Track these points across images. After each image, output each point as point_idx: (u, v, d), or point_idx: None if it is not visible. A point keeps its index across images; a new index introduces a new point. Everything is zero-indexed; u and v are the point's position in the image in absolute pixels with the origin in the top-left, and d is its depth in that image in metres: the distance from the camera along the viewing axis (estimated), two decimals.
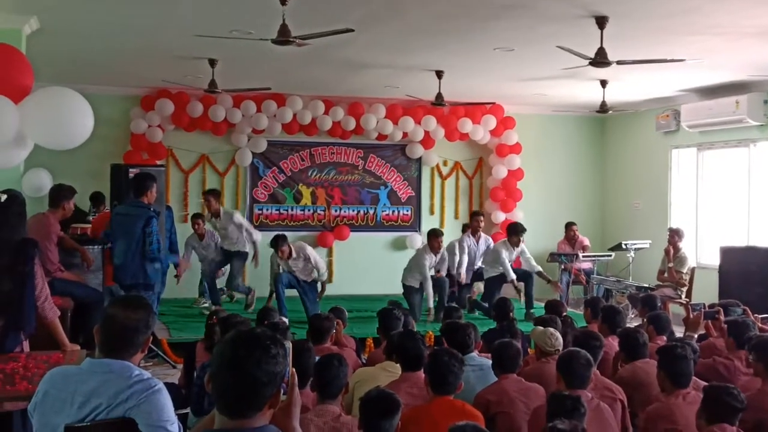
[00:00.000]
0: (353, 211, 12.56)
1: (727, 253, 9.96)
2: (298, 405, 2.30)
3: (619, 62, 7.21)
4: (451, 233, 11.46)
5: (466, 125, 12.17)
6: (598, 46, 7.02)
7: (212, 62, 8.96)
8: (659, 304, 7.35)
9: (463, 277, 10.44)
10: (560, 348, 5.11)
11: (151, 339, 3.15)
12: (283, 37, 6.40)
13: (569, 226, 11.82)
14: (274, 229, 11.12)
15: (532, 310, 9.79)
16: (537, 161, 12.83)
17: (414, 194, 12.78)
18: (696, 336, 6.01)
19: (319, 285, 9.83)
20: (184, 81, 10.04)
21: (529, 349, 6.27)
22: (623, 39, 7.30)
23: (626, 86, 10.35)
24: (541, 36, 7.45)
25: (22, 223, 4.80)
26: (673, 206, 11.86)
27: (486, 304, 9.91)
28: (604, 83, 10.02)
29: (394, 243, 12.68)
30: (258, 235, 10.28)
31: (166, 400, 2.94)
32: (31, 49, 7.23)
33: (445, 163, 12.87)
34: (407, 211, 12.77)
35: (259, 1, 6.30)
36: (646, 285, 10.27)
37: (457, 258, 10.39)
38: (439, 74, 9.62)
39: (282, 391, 2.18)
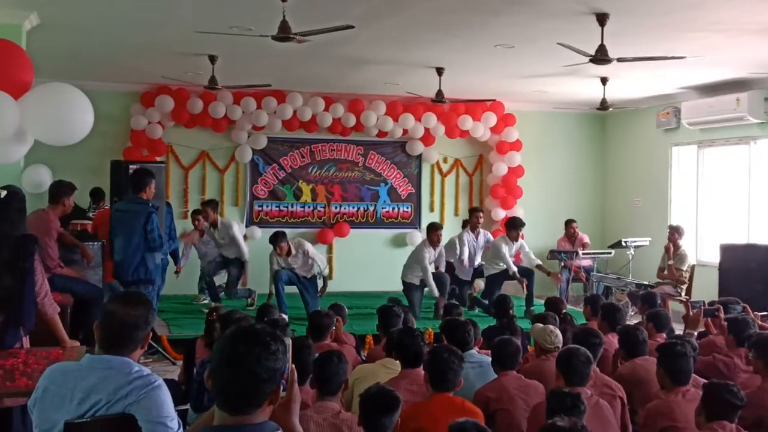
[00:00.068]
0: (353, 208, 12.56)
1: (727, 251, 9.95)
2: (298, 401, 2.31)
3: (619, 59, 7.20)
4: (451, 230, 11.47)
5: (467, 122, 12.17)
6: (599, 43, 7.02)
7: (212, 58, 8.95)
8: (659, 302, 7.35)
9: (466, 263, 10.42)
10: (560, 345, 5.11)
11: (150, 335, 3.15)
12: (284, 33, 6.40)
13: (569, 223, 11.83)
14: (274, 226, 11.13)
15: (532, 308, 9.80)
16: (537, 158, 12.83)
17: (414, 191, 12.77)
18: (696, 333, 6.01)
19: (320, 281, 9.82)
20: (184, 77, 10.05)
21: (528, 347, 6.27)
22: (624, 36, 7.29)
23: (627, 83, 10.35)
24: (542, 33, 7.44)
25: (21, 219, 4.80)
26: (674, 204, 11.85)
27: (486, 301, 9.91)
28: (604, 80, 10.01)
29: (394, 240, 12.68)
30: (247, 255, 10.24)
31: (166, 396, 2.94)
32: (31, 44, 7.22)
33: (445, 160, 12.86)
34: (407, 208, 12.77)
35: None
36: (646, 282, 10.27)
37: (458, 252, 10.40)
38: (439, 71, 9.61)
39: (282, 388, 2.18)
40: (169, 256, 8.78)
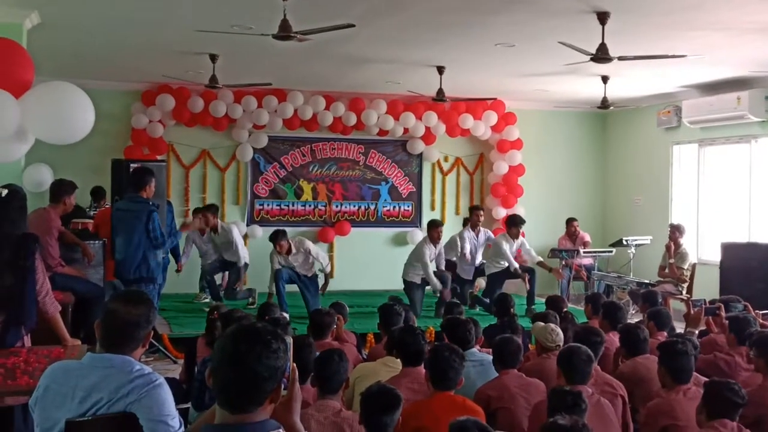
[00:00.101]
0: (354, 206, 12.55)
1: (728, 249, 9.95)
2: (299, 400, 2.31)
3: (620, 58, 7.20)
4: (452, 229, 11.47)
5: (467, 121, 12.16)
6: (600, 41, 7.01)
7: (213, 57, 8.95)
8: (660, 300, 7.35)
9: (468, 256, 10.41)
10: (561, 344, 5.11)
11: (151, 334, 3.15)
12: (284, 32, 6.40)
13: (570, 221, 11.83)
14: (275, 225, 11.13)
15: (533, 306, 9.80)
16: (538, 157, 12.82)
17: (415, 190, 12.77)
18: (697, 332, 6.01)
19: (321, 278, 9.81)
20: (185, 76, 10.05)
21: (529, 345, 6.27)
22: (625, 35, 7.29)
23: (627, 82, 10.34)
24: (543, 31, 7.44)
25: (23, 218, 4.80)
26: (674, 202, 11.85)
27: (487, 300, 9.92)
28: (605, 79, 10.00)
29: (394, 238, 12.68)
30: (245, 260, 10.24)
31: (167, 394, 2.94)
32: (32, 43, 7.22)
33: (446, 159, 12.85)
34: (408, 206, 12.77)
35: None
36: (647, 281, 10.27)
37: (459, 250, 10.41)
38: (440, 70, 9.61)
39: (283, 386, 2.18)
40: (170, 255, 8.79)
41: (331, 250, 12.23)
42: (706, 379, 4.15)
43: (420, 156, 12.67)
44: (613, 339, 5.60)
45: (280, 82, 10.79)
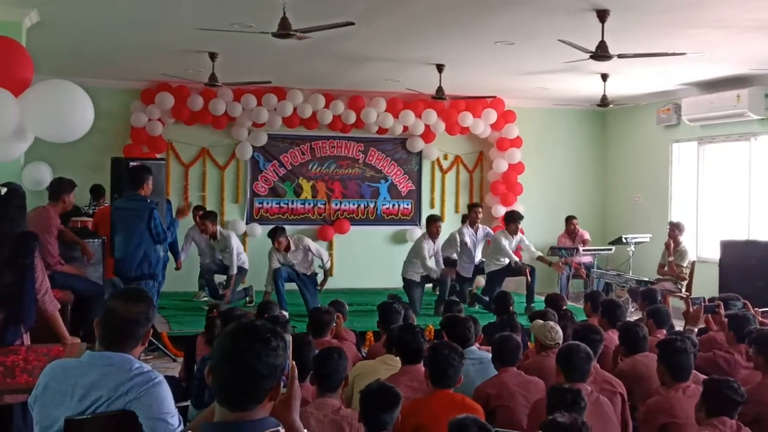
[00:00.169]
0: (353, 204, 12.55)
1: (727, 247, 9.96)
2: (298, 398, 2.31)
3: (620, 56, 7.19)
4: (451, 227, 11.46)
5: (467, 119, 12.16)
6: (599, 39, 7.01)
7: (212, 56, 8.94)
8: (659, 298, 7.35)
9: (470, 245, 10.39)
10: (560, 341, 5.12)
11: (151, 332, 3.15)
12: (284, 30, 6.40)
13: (569, 219, 11.83)
14: (275, 223, 11.10)
15: (532, 304, 9.80)
16: (537, 155, 12.82)
17: (414, 188, 12.77)
18: (696, 330, 6.01)
19: (320, 275, 9.81)
20: (184, 74, 10.04)
21: (529, 343, 6.27)
22: (624, 32, 7.29)
23: (627, 80, 10.34)
24: (542, 29, 7.44)
25: (22, 216, 4.80)
26: (674, 200, 11.85)
27: (486, 298, 9.92)
28: (605, 77, 10.00)
29: (394, 237, 12.68)
30: (236, 267, 10.14)
31: (167, 392, 2.94)
32: (31, 41, 7.22)
33: (445, 157, 12.86)
34: (407, 204, 12.77)
35: None
36: (647, 279, 10.27)
37: (458, 246, 10.41)
38: (439, 68, 9.60)
39: (282, 384, 2.18)
40: (168, 252, 8.79)
41: (330, 248, 12.23)
42: (706, 377, 4.16)
43: (419, 154, 12.67)
44: (613, 337, 5.60)
45: (280, 81, 10.79)
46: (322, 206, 12.42)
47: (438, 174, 12.86)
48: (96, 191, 10.02)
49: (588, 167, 13.39)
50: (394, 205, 12.71)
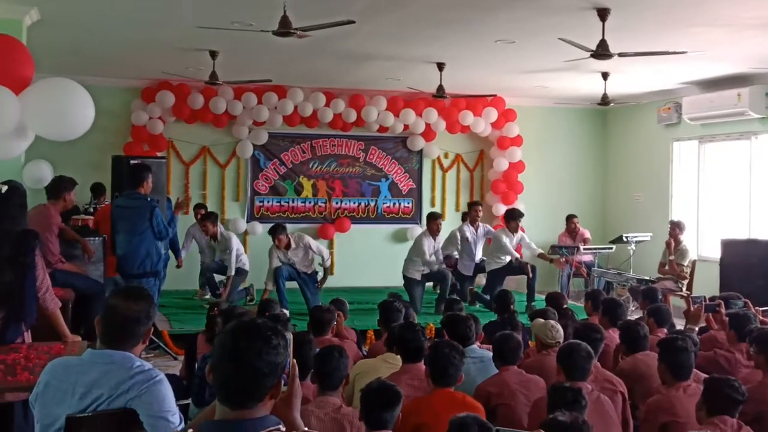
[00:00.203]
0: (354, 203, 12.55)
1: (728, 246, 9.95)
2: (299, 396, 2.31)
3: (620, 54, 7.19)
4: (452, 226, 11.45)
5: (468, 117, 12.16)
6: (600, 38, 7.00)
7: (213, 54, 8.94)
8: (660, 297, 7.35)
9: (471, 243, 10.41)
10: (561, 340, 5.12)
11: (152, 330, 3.15)
12: (284, 28, 6.40)
13: (570, 218, 11.83)
14: (275, 222, 11.09)
15: (533, 303, 9.80)
16: (538, 154, 12.82)
17: (415, 186, 12.77)
18: (697, 329, 6.01)
19: (320, 273, 9.81)
20: (185, 73, 10.03)
21: (529, 342, 6.27)
22: (625, 31, 7.28)
23: (628, 78, 10.33)
24: (543, 28, 7.43)
25: (22, 214, 4.80)
26: (674, 199, 11.85)
27: (487, 297, 9.92)
28: (605, 75, 9.99)
29: (395, 235, 12.68)
30: (233, 268, 10.09)
31: (168, 390, 2.94)
32: (31, 39, 7.22)
33: (446, 156, 12.85)
34: (408, 203, 12.77)
35: None
36: (647, 278, 10.27)
37: (459, 244, 10.41)
38: (440, 66, 9.60)
39: (283, 383, 2.18)
40: (169, 251, 8.79)
41: (331, 246, 12.22)
42: (706, 376, 4.16)
43: (420, 152, 12.67)
44: (613, 336, 5.60)
45: (280, 79, 10.78)
46: (323, 205, 12.42)
47: (438, 172, 12.86)
48: (96, 189, 10.02)
49: (589, 166, 13.38)
50: (394, 203, 12.71)
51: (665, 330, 5.85)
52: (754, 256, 9.47)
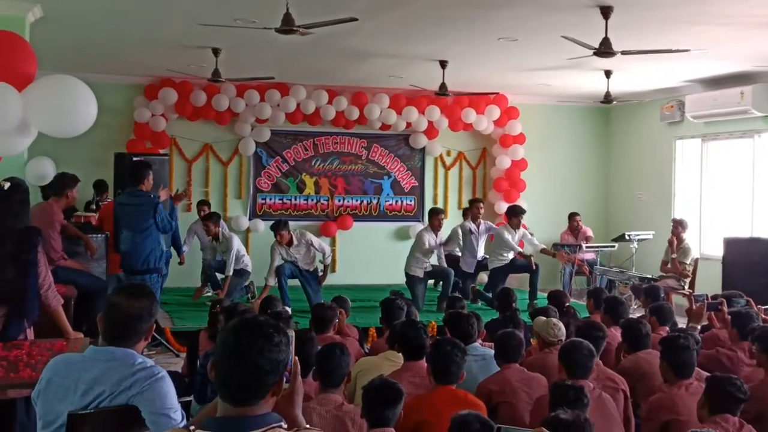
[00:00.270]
0: (356, 200, 12.55)
1: (730, 244, 9.94)
2: (301, 393, 2.31)
3: (623, 52, 7.18)
4: (454, 224, 11.44)
5: (470, 115, 12.15)
6: (603, 36, 6.99)
7: (216, 51, 8.94)
8: (662, 295, 7.35)
9: (474, 229, 10.42)
10: (563, 338, 5.12)
11: (154, 327, 3.16)
12: (287, 25, 6.39)
13: (572, 216, 11.82)
14: (278, 219, 11.11)
15: (535, 301, 9.79)
16: (541, 152, 12.81)
17: (417, 184, 12.77)
18: (699, 327, 6.01)
19: (321, 269, 9.80)
20: (187, 70, 10.03)
21: (531, 340, 6.27)
22: (628, 29, 7.27)
23: (631, 76, 10.32)
24: (546, 26, 7.42)
25: (25, 211, 4.80)
26: (677, 197, 11.84)
27: (489, 294, 9.91)
28: (608, 73, 9.98)
29: (397, 233, 12.68)
30: (231, 269, 10.04)
31: (169, 387, 2.95)
32: (34, 36, 7.21)
33: (448, 153, 12.85)
34: (410, 201, 12.76)
35: None
36: (650, 276, 10.27)
37: (461, 240, 10.41)
38: (442, 64, 9.59)
39: (285, 380, 2.18)
40: (171, 249, 8.80)
41: (333, 244, 12.23)
42: (708, 374, 4.15)
43: (422, 150, 12.67)
44: (615, 334, 5.60)
45: (283, 76, 10.78)
46: (325, 202, 12.42)
47: (441, 170, 12.86)
48: (99, 186, 10.03)
49: (591, 164, 13.37)
50: (397, 201, 12.71)
51: (667, 328, 5.85)
52: (757, 254, 9.47)
